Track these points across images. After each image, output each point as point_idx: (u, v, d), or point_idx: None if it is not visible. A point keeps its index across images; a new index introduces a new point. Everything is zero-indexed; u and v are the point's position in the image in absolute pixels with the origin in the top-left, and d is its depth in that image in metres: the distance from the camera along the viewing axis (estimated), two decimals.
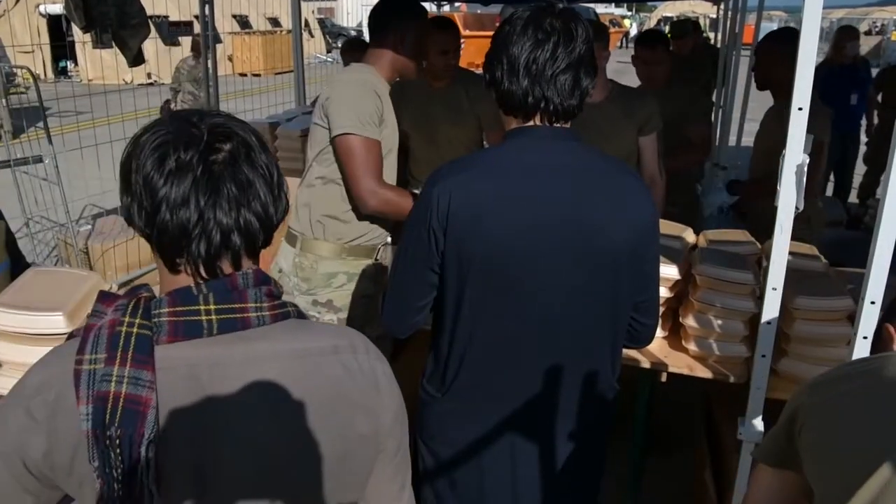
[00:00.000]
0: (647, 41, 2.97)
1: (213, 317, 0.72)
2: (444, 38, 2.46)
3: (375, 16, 1.86)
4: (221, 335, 0.72)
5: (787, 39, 2.69)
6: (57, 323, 1.21)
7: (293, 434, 0.75)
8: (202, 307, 0.72)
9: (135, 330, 0.71)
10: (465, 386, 1.25)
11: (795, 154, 1.33)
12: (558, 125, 1.19)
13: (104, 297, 0.75)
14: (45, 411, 0.70)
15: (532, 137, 1.18)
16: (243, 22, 17.86)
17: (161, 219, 0.71)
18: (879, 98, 5.33)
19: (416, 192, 1.72)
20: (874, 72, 5.55)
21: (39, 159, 4.96)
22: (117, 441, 0.68)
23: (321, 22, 21.47)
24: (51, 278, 1.38)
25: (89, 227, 3.97)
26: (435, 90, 2.54)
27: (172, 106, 6.55)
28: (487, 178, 1.15)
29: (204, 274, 0.73)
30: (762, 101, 2.78)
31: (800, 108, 1.30)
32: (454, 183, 1.15)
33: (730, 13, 5.05)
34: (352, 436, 0.78)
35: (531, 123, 1.19)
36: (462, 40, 2.74)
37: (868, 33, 21.09)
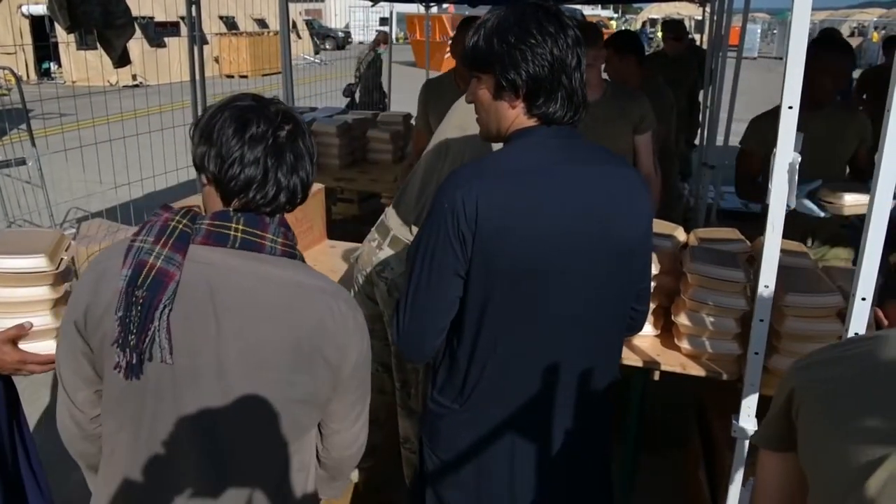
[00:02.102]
0: (618, 46, 2.87)
1: (239, 234, 0.96)
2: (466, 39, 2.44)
3: None
4: (241, 251, 0.96)
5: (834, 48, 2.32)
6: (41, 263, 1.35)
7: (276, 338, 0.96)
8: (233, 225, 0.97)
9: (180, 226, 0.96)
10: (486, 395, 1.21)
11: (786, 153, 1.33)
12: (561, 125, 1.16)
13: (165, 207, 1.01)
14: (93, 277, 0.97)
15: (541, 136, 1.15)
16: (230, 23, 17.76)
17: (233, 171, 0.95)
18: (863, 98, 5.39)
19: None
20: (856, 73, 5.61)
21: (23, 162, 4.89)
22: (140, 300, 0.92)
23: (308, 23, 21.40)
24: (18, 234, 1.57)
25: (74, 230, 3.92)
26: (461, 90, 2.51)
27: (353, 89, 7.77)
28: (509, 181, 1.12)
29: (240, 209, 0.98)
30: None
31: (790, 107, 1.31)
32: (478, 187, 1.10)
33: (715, 15, 5.10)
34: (321, 360, 0.99)
35: (537, 123, 1.16)
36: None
37: (850, 35, 21.39)
